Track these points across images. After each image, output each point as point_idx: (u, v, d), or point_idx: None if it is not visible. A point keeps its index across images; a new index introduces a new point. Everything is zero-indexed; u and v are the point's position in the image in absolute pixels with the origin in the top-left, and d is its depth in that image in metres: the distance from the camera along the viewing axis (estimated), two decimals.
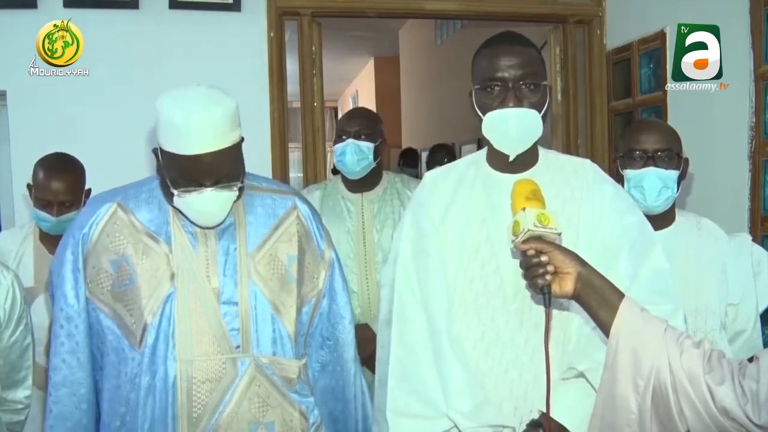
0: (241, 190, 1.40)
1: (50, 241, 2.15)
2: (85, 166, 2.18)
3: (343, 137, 2.30)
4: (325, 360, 1.56)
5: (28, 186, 2.15)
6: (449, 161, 2.69)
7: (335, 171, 2.60)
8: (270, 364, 1.42)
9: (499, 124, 1.40)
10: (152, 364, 1.37)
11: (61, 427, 1.43)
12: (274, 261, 1.46)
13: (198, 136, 1.30)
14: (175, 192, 1.34)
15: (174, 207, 1.40)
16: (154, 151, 1.38)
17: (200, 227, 1.42)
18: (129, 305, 1.39)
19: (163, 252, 1.41)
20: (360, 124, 2.33)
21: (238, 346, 1.40)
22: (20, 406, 1.82)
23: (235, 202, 1.40)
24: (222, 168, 1.34)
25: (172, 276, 1.40)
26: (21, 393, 1.82)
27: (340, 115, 11.62)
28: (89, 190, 2.18)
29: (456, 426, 1.39)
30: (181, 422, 1.37)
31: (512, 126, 1.39)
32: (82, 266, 1.41)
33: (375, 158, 2.31)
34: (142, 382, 1.37)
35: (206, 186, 1.33)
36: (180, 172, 1.34)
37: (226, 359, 1.39)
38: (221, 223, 1.42)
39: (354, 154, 2.27)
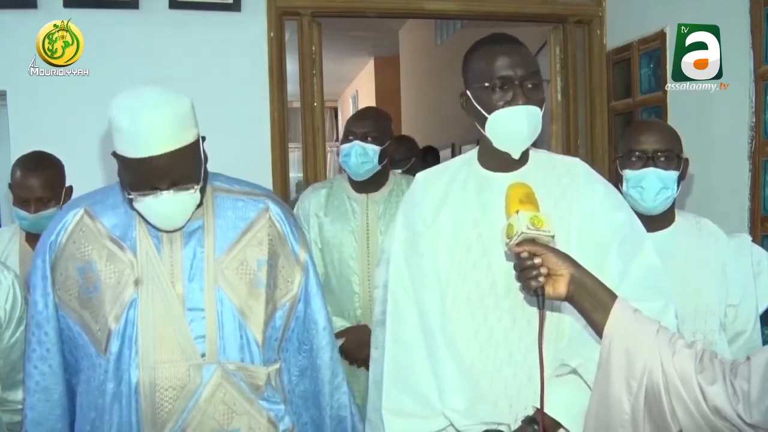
0: (202, 191, 1.37)
1: (36, 241, 2.14)
2: (84, 166, 2.18)
3: (350, 138, 2.29)
4: (303, 365, 1.54)
5: (10, 186, 2.14)
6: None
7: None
8: (237, 370, 1.40)
9: (509, 121, 1.41)
10: (117, 370, 1.36)
11: (36, 431, 1.43)
12: (242, 266, 1.43)
13: (145, 138, 1.26)
14: (131, 195, 1.32)
15: (137, 211, 1.38)
16: (112, 154, 1.34)
17: (163, 231, 1.40)
18: (94, 312, 1.38)
19: (127, 258, 1.39)
20: (367, 125, 2.30)
21: (203, 354, 1.38)
22: (20, 407, 1.81)
23: (200, 206, 1.38)
24: (176, 170, 1.30)
25: (136, 282, 1.38)
26: (21, 393, 1.81)
27: (340, 115, 11.65)
28: (70, 188, 2.17)
29: (451, 424, 1.39)
30: (146, 428, 1.36)
31: (524, 123, 1.40)
32: (50, 273, 1.41)
33: (381, 161, 2.29)
34: (107, 388, 1.37)
35: (162, 189, 1.30)
36: (134, 176, 1.31)
37: (190, 366, 1.37)
38: (185, 227, 1.39)
39: (358, 157, 2.26)
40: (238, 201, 1.47)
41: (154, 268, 1.39)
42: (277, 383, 1.48)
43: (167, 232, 1.40)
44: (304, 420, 1.56)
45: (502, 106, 1.40)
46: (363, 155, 2.26)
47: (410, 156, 2.65)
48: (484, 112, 1.43)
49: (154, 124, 1.26)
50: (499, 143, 1.44)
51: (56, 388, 1.43)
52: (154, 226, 1.39)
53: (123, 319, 1.36)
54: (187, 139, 1.31)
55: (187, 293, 1.39)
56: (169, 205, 1.32)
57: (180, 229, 1.39)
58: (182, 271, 1.40)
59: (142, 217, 1.38)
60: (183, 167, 1.31)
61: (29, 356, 1.43)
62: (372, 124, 2.32)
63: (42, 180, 2.07)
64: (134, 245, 1.40)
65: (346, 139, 2.31)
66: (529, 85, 1.41)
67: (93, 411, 1.39)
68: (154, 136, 1.26)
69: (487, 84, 1.42)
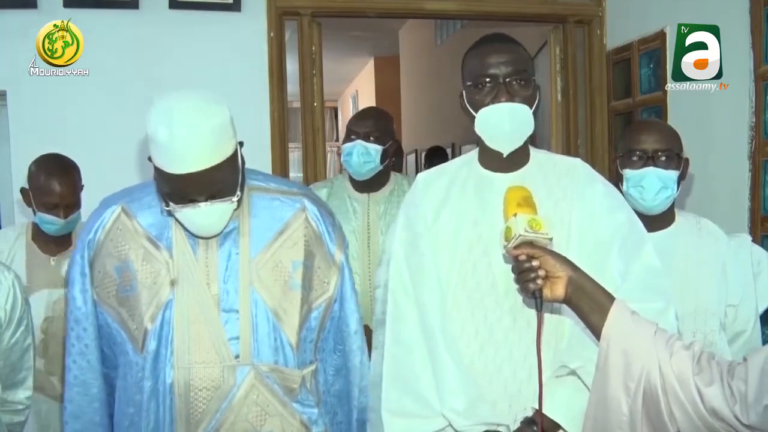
0: (239, 200, 1.36)
1: (43, 240, 2.16)
2: (84, 166, 2.18)
3: (352, 137, 2.29)
4: (338, 364, 1.54)
5: (23, 190, 2.14)
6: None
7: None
8: (271, 372, 1.39)
9: (492, 119, 1.41)
10: (154, 369, 1.37)
11: (74, 424, 1.45)
12: (277, 267, 1.42)
13: (184, 156, 1.23)
14: (169, 207, 1.31)
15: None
16: (149, 159, 1.32)
17: (200, 238, 1.40)
18: (131, 311, 1.39)
19: (163, 258, 1.39)
20: (370, 125, 2.30)
21: (237, 356, 1.38)
22: (21, 407, 1.83)
23: (236, 209, 1.37)
24: (214, 185, 1.29)
25: (172, 282, 1.38)
26: (21, 394, 1.82)
27: (340, 115, 11.65)
28: (83, 186, 2.18)
29: (451, 424, 1.39)
30: (180, 427, 1.37)
31: (506, 120, 1.40)
32: (88, 270, 1.41)
33: (383, 161, 2.29)
34: (145, 386, 1.37)
35: (199, 202, 1.30)
36: (170, 188, 1.30)
37: (224, 367, 1.37)
38: (221, 232, 1.39)
39: (360, 156, 2.26)
40: (274, 200, 1.46)
41: (190, 268, 1.39)
42: (312, 385, 1.47)
43: (203, 238, 1.40)
44: (339, 419, 1.55)
45: (488, 104, 1.41)
46: (365, 155, 2.26)
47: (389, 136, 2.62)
48: (472, 111, 1.44)
49: (192, 142, 1.23)
50: (488, 141, 1.45)
51: (94, 383, 1.44)
52: (190, 233, 1.39)
53: (159, 320, 1.37)
54: (225, 154, 1.28)
55: (222, 294, 1.39)
56: (207, 216, 1.31)
57: (217, 235, 1.39)
58: (217, 272, 1.39)
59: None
60: (221, 181, 1.30)
61: (69, 351, 1.44)
62: (374, 123, 2.32)
63: (71, 186, 2.09)
64: (170, 245, 1.40)
65: (348, 139, 2.31)
66: (515, 83, 1.41)
67: (131, 407, 1.40)
68: (193, 154, 1.23)
69: (471, 83, 1.43)
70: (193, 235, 1.39)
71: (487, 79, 1.41)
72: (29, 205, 2.12)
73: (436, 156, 4.18)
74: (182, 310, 1.37)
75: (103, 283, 1.40)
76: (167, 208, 1.32)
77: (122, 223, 1.41)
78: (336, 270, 1.48)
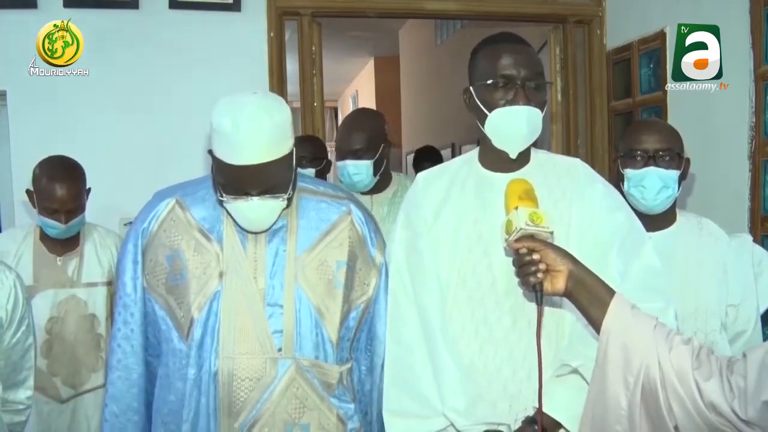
0: (290, 199, 1.40)
1: (50, 240, 2.16)
2: (84, 166, 2.18)
3: (341, 156, 2.26)
4: (369, 364, 1.56)
5: (28, 192, 2.14)
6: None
7: None
8: (311, 367, 1.43)
9: (507, 120, 1.41)
10: (199, 357, 1.41)
11: (113, 406, 1.49)
12: (322, 266, 1.46)
13: (245, 148, 1.29)
14: (223, 198, 1.37)
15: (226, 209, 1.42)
16: (209, 152, 1.38)
17: (249, 232, 1.44)
18: (179, 299, 1.43)
19: (213, 250, 1.44)
20: (356, 141, 2.25)
21: (280, 349, 1.42)
22: (21, 407, 1.83)
23: (285, 208, 1.41)
24: (269, 179, 1.34)
25: (221, 274, 1.42)
26: (22, 393, 1.82)
27: (340, 115, 11.62)
28: (89, 189, 2.18)
29: (451, 424, 1.40)
30: (222, 415, 1.41)
31: (523, 123, 1.40)
32: (141, 258, 1.46)
33: (376, 171, 2.27)
34: (188, 374, 1.41)
35: (252, 195, 1.34)
36: (227, 180, 1.35)
37: (267, 359, 1.41)
38: (270, 228, 1.43)
39: (352, 176, 2.25)
40: (322, 202, 1.51)
41: (239, 262, 1.43)
42: (348, 382, 1.50)
43: (252, 233, 1.44)
44: (369, 419, 1.58)
45: (503, 105, 1.41)
46: (356, 174, 2.25)
47: (321, 156, 2.61)
48: (485, 110, 1.43)
49: (254, 134, 1.29)
50: (498, 142, 1.44)
51: (136, 368, 1.49)
52: (240, 226, 1.43)
53: (206, 309, 1.41)
54: (283, 151, 1.34)
55: (268, 289, 1.43)
56: (258, 211, 1.36)
57: (266, 231, 1.43)
58: (265, 267, 1.44)
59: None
60: (276, 177, 1.35)
61: (114, 335, 1.49)
62: (359, 138, 2.26)
63: (73, 191, 2.09)
64: (221, 238, 1.44)
65: (338, 157, 2.29)
66: (532, 86, 1.41)
67: (172, 394, 1.44)
68: (254, 146, 1.29)
69: (490, 81, 1.42)
70: (243, 230, 1.43)
71: (504, 80, 1.41)
72: (34, 206, 2.12)
73: (426, 160, 3.91)
74: (229, 301, 1.42)
75: (153, 271, 1.45)
76: (221, 199, 1.37)
77: (176, 214, 1.47)
78: (376, 272, 1.52)
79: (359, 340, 1.54)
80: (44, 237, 2.17)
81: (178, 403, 1.43)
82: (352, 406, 1.49)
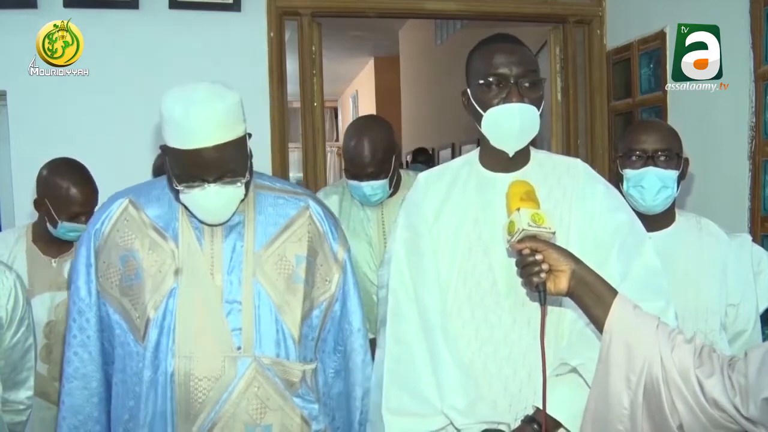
0: (247, 186, 1.39)
1: (44, 242, 2.13)
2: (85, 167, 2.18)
3: (356, 177, 2.15)
4: (338, 366, 1.55)
5: (37, 203, 2.08)
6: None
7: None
8: (272, 365, 1.41)
9: (502, 119, 1.41)
10: (155, 358, 1.38)
11: (72, 419, 1.45)
12: (281, 261, 1.44)
13: (198, 130, 1.29)
14: (179, 187, 1.34)
15: (182, 204, 1.40)
16: (161, 147, 1.37)
17: (206, 224, 1.42)
18: (134, 300, 1.40)
19: (169, 247, 1.42)
20: (370, 165, 2.12)
21: (239, 347, 1.39)
22: (22, 407, 1.82)
23: (242, 201, 1.39)
24: (225, 162, 1.32)
25: (177, 272, 1.40)
26: (23, 394, 1.82)
27: (340, 115, 11.58)
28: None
29: (451, 423, 1.40)
30: (179, 419, 1.37)
31: (516, 121, 1.41)
32: (94, 261, 1.44)
33: (391, 184, 2.18)
34: (144, 376, 1.38)
35: (209, 181, 1.32)
36: (182, 168, 1.33)
37: (226, 357, 1.38)
38: (228, 221, 1.41)
39: (368, 197, 2.16)
40: (279, 198, 1.50)
41: (195, 259, 1.41)
42: (312, 383, 1.48)
43: (211, 225, 1.42)
44: (336, 424, 1.56)
45: (498, 104, 1.41)
46: (372, 195, 2.16)
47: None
48: (480, 110, 1.44)
49: (205, 117, 1.29)
50: (495, 140, 1.45)
51: (95, 375, 1.45)
52: (198, 219, 1.41)
53: (162, 308, 1.38)
54: (236, 133, 1.33)
55: (225, 285, 1.41)
56: (215, 198, 1.34)
57: (224, 223, 1.42)
58: (222, 263, 1.42)
59: (187, 209, 1.40)
60: (230, 160, 1.34)
61: (69, 342, 1.45)
62: (373, 162, 2.12)
63: (94, 193, 2.08)
64: (176, 235, 1.42)
65: (350, 176, 2.17)
66: (526, 84, 1.42)
67: (131, 399, 1.41)
68: (205, 128, 1.29)
69: (483, 81, 1.43)
70: (200, 224, 1.41)
71: (498, 79, 1.41)
72: (47, 215, 2.06)
73: (416, 161, 3.91)
74: (185, 299, 1.39)
75: (107, 273, 1.42)
76: (177, 188, 1.35)
77: (129, 214, 1.44)
78: (338, 268, 1.51)
79: (325, 341, 1.52)
80: (37, 239, 2.14)
81: (137, 407, 1.39)
82: (316, 406, 1.46)
